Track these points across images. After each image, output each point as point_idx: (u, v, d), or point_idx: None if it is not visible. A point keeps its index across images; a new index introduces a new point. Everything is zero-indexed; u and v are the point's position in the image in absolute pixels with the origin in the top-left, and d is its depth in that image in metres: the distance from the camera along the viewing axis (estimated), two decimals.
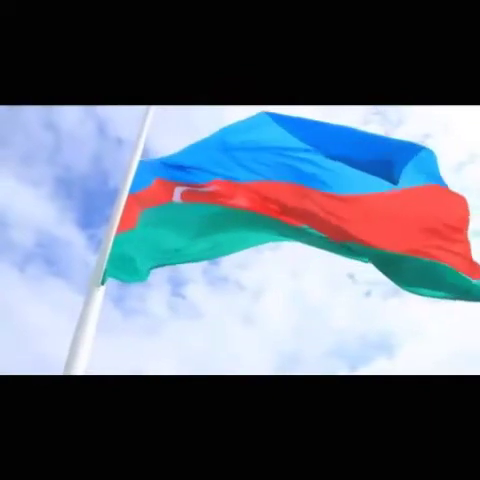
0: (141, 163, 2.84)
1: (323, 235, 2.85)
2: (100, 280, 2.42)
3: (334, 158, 2.76)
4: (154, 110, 3.10)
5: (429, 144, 2.63)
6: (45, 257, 14.64)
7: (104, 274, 2.45)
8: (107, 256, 2.49)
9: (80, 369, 2.15)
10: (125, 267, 2.80)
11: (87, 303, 2.36)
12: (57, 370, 2.15)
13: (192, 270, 16.05)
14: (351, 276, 18.12)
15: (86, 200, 14.15)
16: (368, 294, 17.94)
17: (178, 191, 3.02)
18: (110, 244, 2.53)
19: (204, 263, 16.31)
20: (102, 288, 2.42)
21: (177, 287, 17.21)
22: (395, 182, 2.45)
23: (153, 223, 2.93)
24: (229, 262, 16.45)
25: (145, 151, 3.01)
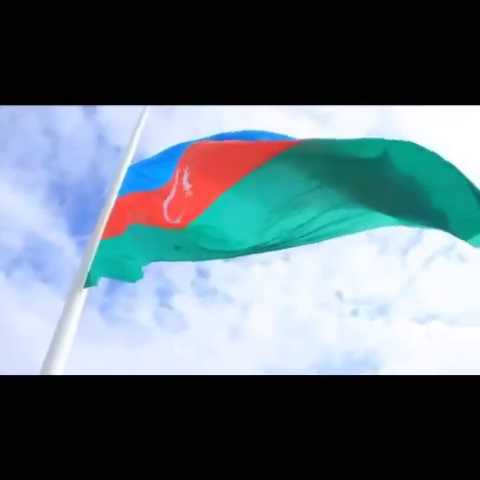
0: (130, 168, 2.83)
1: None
2: (83, 284, 2.40)
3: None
4: (148, 116, 3.11)
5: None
6: (33, 262, 14.51)
7: (88, 278, 2.43)
8: (91, 260, 2.47)
9: (57, 373, 2.11)
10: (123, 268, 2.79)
11: (68, 306, 2.32)
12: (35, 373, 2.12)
13: (181, 281, 15.99)
14: (338, 294, 18.22)
15: (80, 207, 14.10)
16: (355, 313, 17.98)
17: None
18: (95, 248, 2.51)
19: (193, 275, 16.26)
20: (84, 291, 2.40)
21: (165, 298, 17.12)
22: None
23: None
24: (218, 275, 16.39)
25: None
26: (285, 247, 2.85)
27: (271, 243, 2.81)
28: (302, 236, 2.76)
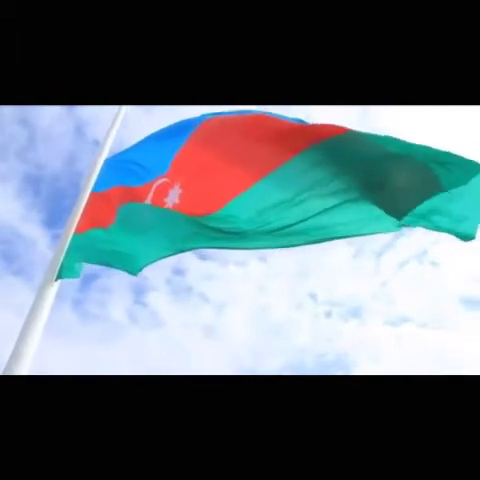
0: (107, 161, 2.78)
1: None
2: (54, 277, 2.37)
3: None
4: (125, 112, 3.05)
5: None
6: (6, 254, 14.17)
7: (67, 269, 2.42)
8: (64, 254, 2.44)
9: (23, 369, 2.06)
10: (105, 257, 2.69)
11: (38, 300, 2.29)
12: None
13: (156, 278, 15.87)
14: (313, 296, 18.41)
15: (55, 199, 13.78)
16: (328, 314, 18.19)
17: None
18: (68, 242, 2.47)
19: (168, 273, 16.17)
20: (56, 284, 2.37)
21: (139, 295, 16.98)
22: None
23: None
24: (194, 273, 16.33)
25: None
26: (303, 241, 2.53)
27: (287, 231, 2.53)
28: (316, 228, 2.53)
